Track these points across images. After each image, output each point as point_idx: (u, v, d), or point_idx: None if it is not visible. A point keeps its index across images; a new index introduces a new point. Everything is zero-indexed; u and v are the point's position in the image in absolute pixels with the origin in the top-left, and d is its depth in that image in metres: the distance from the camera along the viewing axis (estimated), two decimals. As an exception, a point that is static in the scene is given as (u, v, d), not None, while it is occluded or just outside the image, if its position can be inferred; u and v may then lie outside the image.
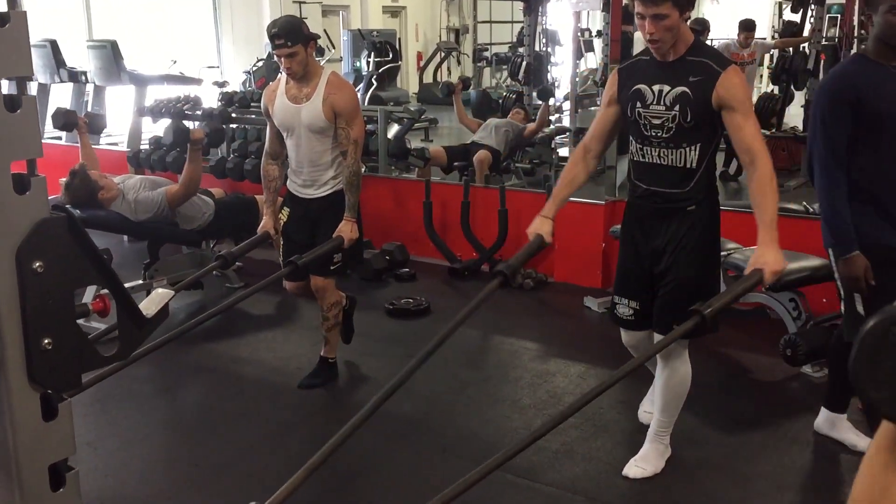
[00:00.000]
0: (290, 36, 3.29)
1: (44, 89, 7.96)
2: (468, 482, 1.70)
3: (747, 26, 8.37)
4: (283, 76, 3.50)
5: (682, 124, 2.56)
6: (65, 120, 5.31)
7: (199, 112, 6.15)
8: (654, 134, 2.62)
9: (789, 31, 8.52)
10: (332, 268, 3.57)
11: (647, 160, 2.67)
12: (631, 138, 2.73)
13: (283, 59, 3.34)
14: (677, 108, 2.55)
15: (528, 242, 2.64)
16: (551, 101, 11.49)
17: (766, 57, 16.09)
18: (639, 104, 2.63)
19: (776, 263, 2.38)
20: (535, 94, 9.23)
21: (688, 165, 2.60)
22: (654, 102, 2.59)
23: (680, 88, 2.55)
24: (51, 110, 8.15)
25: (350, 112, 3.43)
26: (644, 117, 2.62)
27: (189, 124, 5.95)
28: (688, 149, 2.58)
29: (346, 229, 3.46)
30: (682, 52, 2.56)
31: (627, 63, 2.77)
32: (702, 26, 7.82)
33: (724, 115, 2.52)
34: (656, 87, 2.59)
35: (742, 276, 2.44)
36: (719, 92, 2.50)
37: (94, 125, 5.52)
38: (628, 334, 2.92)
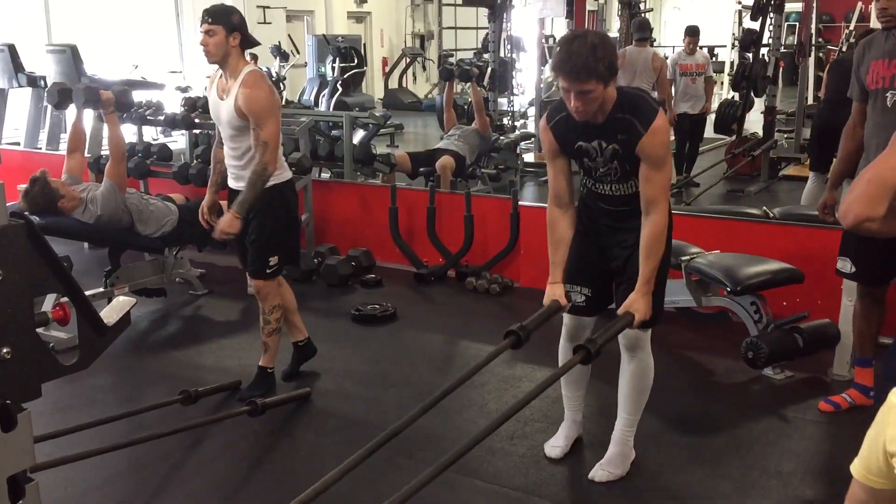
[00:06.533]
0: (215, 16, 3.30)
1: (1, 94, 7.83)
2: (420, 481, 1.69)
3: (691, 31, 8.20)
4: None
5: (625, 171, 2.67)
6: (85, 97, 4.61)
7: (161, 118, 6.08)
8: (603, 177, 2.73)
9: (749, 39, 8.64)
10: (268, 270, 3.55)
11: (598, 191, 2.80)
12: (581, 171, 2.82)
13: (202, 36, 3.31)
14: (615, 162, 2.66)
15: (542, 309, 2.72)
16: (517, 107, 11.56)
17: (727, 64, 16.27)
18: (586, 159, 2.72)
19: (646, 313, 2.63)
20: (499, 99, 9.26)
21: (638, 190, 2.70)
22: (598, 156, 2.68)
23: (612, 146, 2.63)
24: (9, 116, 8.05)
25: (258, 113, 3.30)
26: (593, 168, 2.73)
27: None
28: (637, 179, 2.67)
29: (224, 221, 3.39)
30: (609, 110, 2.59)
31: (556, 120, 2.72)
32: (646, 30, 7.73)
33: (641, 164, 2.62)
34: (595, 143, 2.66)
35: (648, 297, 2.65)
36: (640, 151, 2.59)
37: (120, 103, 4.76)
38: (576, 320, 2.94)
